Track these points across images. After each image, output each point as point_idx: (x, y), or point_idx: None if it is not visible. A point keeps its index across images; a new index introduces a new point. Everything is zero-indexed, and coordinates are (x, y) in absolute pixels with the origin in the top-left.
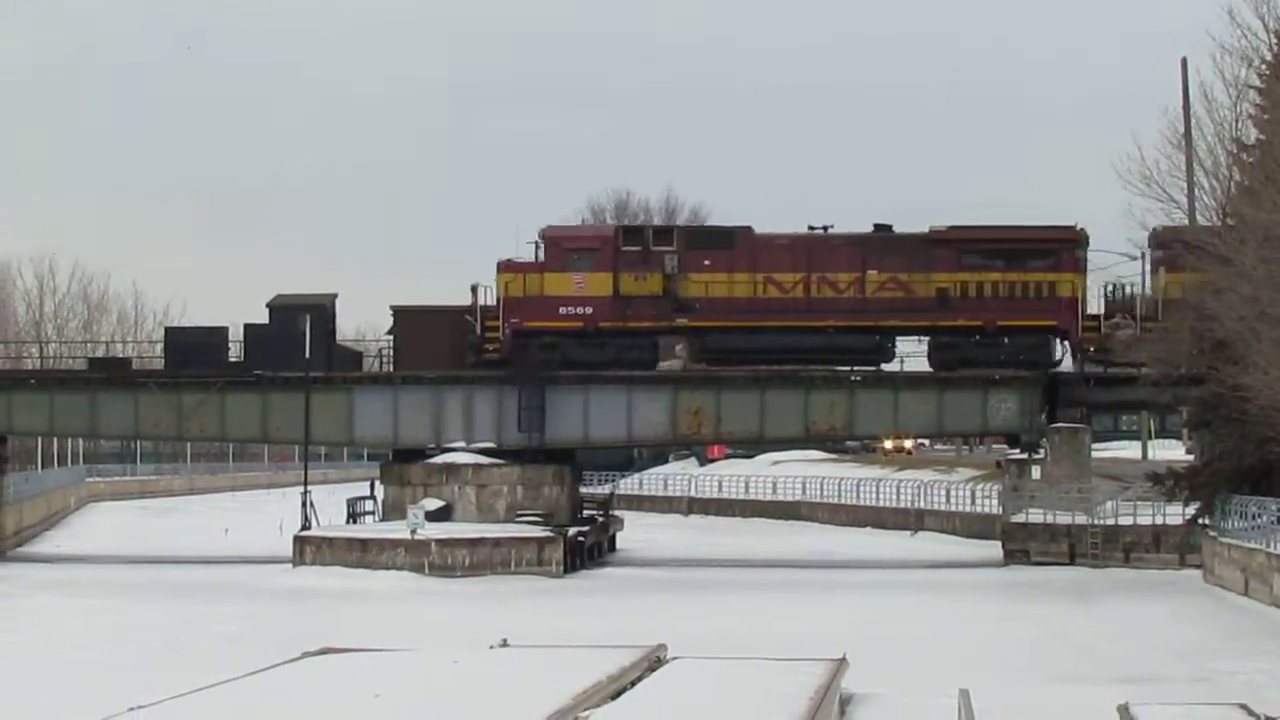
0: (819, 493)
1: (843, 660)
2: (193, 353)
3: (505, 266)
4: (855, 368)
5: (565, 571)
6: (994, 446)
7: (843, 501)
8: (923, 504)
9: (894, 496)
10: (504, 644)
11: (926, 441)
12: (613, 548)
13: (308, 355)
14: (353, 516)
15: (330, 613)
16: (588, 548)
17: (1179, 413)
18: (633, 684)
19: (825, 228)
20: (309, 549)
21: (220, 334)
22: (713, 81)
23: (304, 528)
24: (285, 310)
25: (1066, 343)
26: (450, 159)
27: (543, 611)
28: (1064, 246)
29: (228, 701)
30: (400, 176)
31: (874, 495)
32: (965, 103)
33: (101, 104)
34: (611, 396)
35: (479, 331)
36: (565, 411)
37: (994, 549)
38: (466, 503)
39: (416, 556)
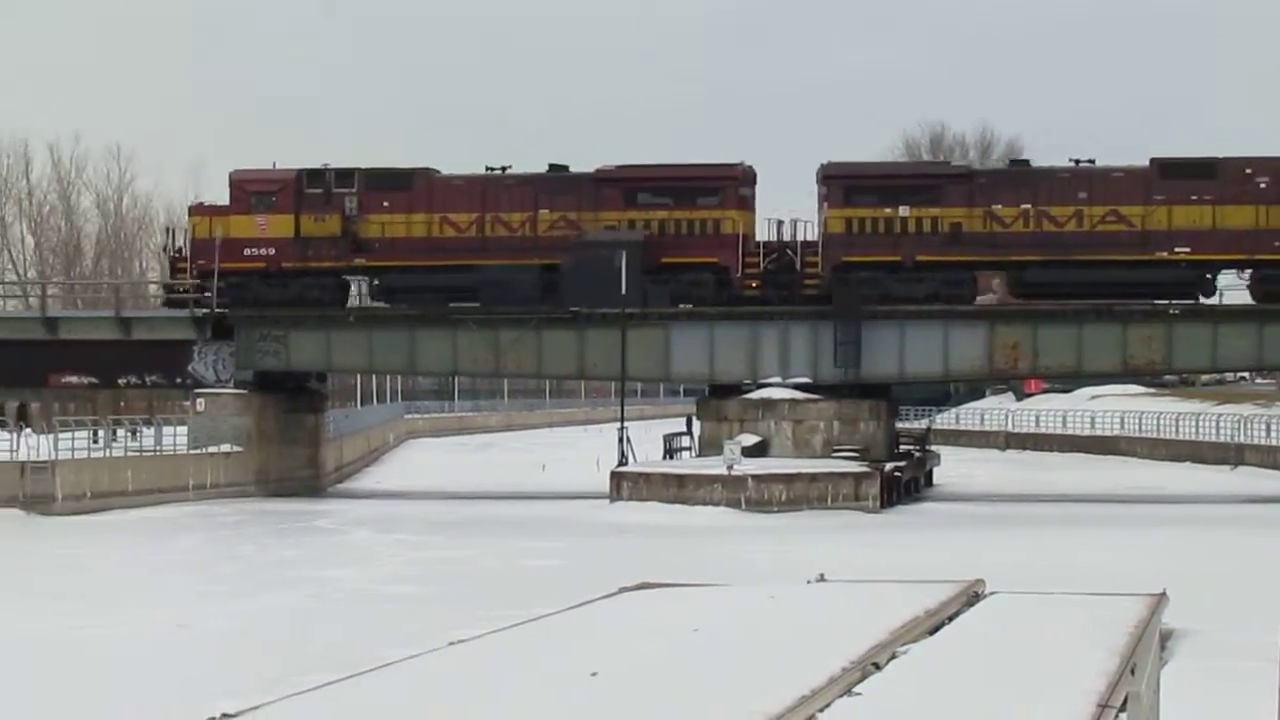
0: (1137, 427)
1: (1163, 595)
2: (508, 290)
3: (195, 210)
4: (1175, 301)
5: (882, 506)
6: None
7: (1161, 436)
8: (1243, 438)
9: (1213, 430)
10: (821, 579)
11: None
12: (929, 483)
13: (624, 292)
14: (669, 452)
15: (647, 548)
16: (904, 483)
17: None
18: (950, 618)
19: (504, 168)
20: (626, 484)
21: (535, 271)
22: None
23: (621, 463)
24: (600, 247)
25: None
26: (743, 96)
27: (859, 546)
28: (729, 184)
29: (546, 635)
30: (692, 116)
31: (1193, 429)
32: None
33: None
34: (927, 331)
35: (170, 273)
36: (881, 346)
37: None
38: (783, 438)
39: (733, 491)
